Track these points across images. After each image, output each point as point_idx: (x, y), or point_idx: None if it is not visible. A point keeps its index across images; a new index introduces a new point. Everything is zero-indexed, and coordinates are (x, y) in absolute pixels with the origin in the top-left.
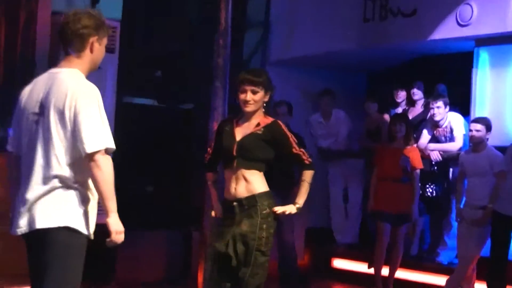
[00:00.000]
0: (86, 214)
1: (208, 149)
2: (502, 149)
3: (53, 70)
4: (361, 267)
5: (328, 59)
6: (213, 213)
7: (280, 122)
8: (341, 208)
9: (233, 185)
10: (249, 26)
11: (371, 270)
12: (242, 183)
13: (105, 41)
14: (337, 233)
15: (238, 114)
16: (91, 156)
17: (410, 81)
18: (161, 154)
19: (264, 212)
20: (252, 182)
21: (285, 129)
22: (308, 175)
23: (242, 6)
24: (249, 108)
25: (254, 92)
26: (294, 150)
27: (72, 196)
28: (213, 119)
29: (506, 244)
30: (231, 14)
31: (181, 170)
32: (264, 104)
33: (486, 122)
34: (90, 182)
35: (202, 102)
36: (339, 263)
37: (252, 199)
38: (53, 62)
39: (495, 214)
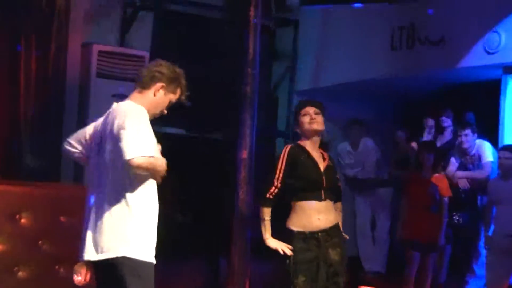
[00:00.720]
0: (148, 241)
1: (275, 181)
2: None
3: (115, 105)
4: None
5: (356, 88)
6: (288, 252)
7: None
8: (369, 236)
9: (315, 216)
10: (276, 55)
11: None
12: (324, 213)
13: (171, 96)
14: (365, 262)
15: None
16: (130, 163)
17: (438, 109)
18: (189, 183)
19: (344, 241)
20: (332, 212)
21: None
22: (340, 205)
23: (270, 35)
24: (317, 126)
25: (316, 113)
26: (339, 183)
27: (133, 223)
28: (241, 148)
29: None
30: (259, 43)
31: (209, 199)
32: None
33: None
34: (148, 205)
35: (230, 132)
36: None
37: (337, 228)
38: (83, 93)
39: None
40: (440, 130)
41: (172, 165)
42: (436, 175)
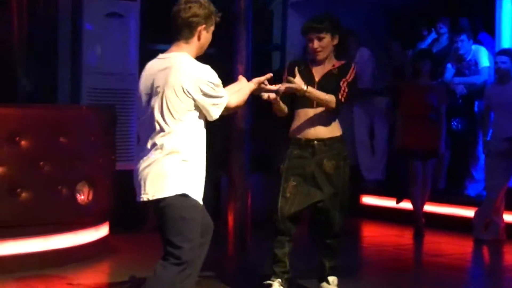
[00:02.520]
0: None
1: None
2: None
3: (163, 55)
4: (390, 203)
5: None
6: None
7: (351, 63)
8: (367, 145)
9: (311, 124)
10: None
11: (400, 205)
12: (321, 122)
13: (212, 28)
14: (364, 170)
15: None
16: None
17: (433, 18)
18: None
19: (345, 154)
20: (331, 122)
21: (354, 70)
22: (330, 98)
23: None
24: (320, 56)
25: (320, 39)
26: (341, 83)
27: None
28: (237, 63)
29: None
30: None
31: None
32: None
33: (511, 54)
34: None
35: (225, 46)
36: (368, 200)
37: (336, 141)
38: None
39: None
40: (436, 36)
41: None
42: (433, 82)
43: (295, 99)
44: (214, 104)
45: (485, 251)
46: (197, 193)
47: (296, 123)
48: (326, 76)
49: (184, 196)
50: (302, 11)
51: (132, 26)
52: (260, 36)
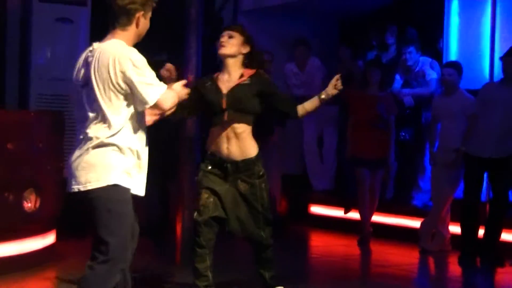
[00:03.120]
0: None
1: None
2: (473, 92)
3: (96, 44)
4: (338, 212)
5: (300, 6)
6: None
7: (263, 71)
8: (316, 153)
9: (224, 144)
10: None
11: (348, 215)
12: (234, 142)
13: (149, 14)
14: (313, 179)
15: (213, 73)
16: (154, 106)
17: (382, 26)
18: None
19: (261, 173)
20: (245, 142)
21: (270, 78)
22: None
23: None
24: (223, 50)
25: (230, 36)
26: (284, 96)
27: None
28: (187, 71)
29: (479, 185)
30: None
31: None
32: (244, 57)
33: (457, 66)
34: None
35: (175, 54)
36: (316, 209)
37: (250, 163)
38: (25, 18)
39: (467, 156)
40: (384, 47)
41: None
42: (383, 92)
43: (210, 113)
44: (148, 84)
45: (431, 261)
46: (133, 185)
47: (211, 139)
48: (236, 88)
49: (114, 187)
50: (252, 18)
51: (82, 31)
52: (210, 44)
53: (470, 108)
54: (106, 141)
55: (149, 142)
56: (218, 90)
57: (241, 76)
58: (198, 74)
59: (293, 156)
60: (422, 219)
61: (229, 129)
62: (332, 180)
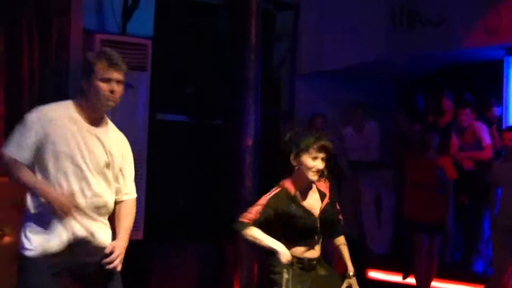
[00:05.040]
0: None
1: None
2: None
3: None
4: (396, 278)
5: (357, 69)
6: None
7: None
8: (373, 217)
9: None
10: (277, 38)
11: (407, 281)
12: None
13: (96, 81)
14: (371, 243)
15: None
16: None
17: (439, 90)
18: (193, 168)
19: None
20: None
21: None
22: (343, 239)
23: (270, 19)
24: (317, 178)
25: (323, 160)
26: (340, 216)
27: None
28: (246, 135)
29: None
30: (260, 27)
31: (213, 184)
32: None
33: None
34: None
35: (232, 117)
36: (374, 274)
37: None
38: None
39: None
40: (440, 111)
41: (175, 151)
42: (441, 156)
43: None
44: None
45: None
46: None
47: (300, 248)
48: (327, 209)
49: (23, 258)
50: (308, 81)
51: (141, 96)
52: (267, 106)
53: None
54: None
55: (205, 199)
56: (307, 211)
57: (319, 191)
58: (257, 138)
59: (349, 220)
60: (482, 286)
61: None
62: (390, 244)
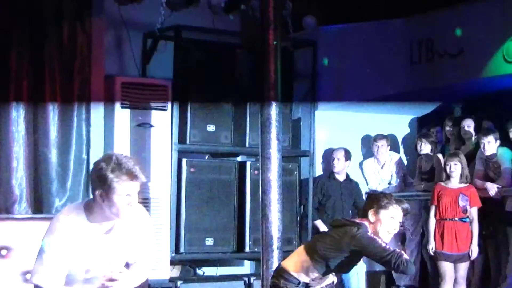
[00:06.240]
0: None
1: None
2: None
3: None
4: None
5: (377, 103)
6: None
7: None
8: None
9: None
10: (296, 75)
11: None
12: None
13: (112, 194)
14: (397, 276)
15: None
16: None
17: (460, 119)
18: (218, 206)
19: None
20: None
21: None
22: None
23: (289, 57)
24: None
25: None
26: None
27: None
28: (268, 170)
29: None
30: (279, 65)
31: (237, 221)
32: None
33: None
34: None
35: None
36: None
37: None
38: (108, 125)
39: None
40: (461, 139)
41: (199, 189)
42: (465, 185)
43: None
44: None
45: None
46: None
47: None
48: None
49: None
50: (330, 116)
51: (162, 135)
52: (288, 143)
53: None
54: None
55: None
56: None
57: None
58: (280, 173)
59: None
60: None
61: None
62: (416, 276)
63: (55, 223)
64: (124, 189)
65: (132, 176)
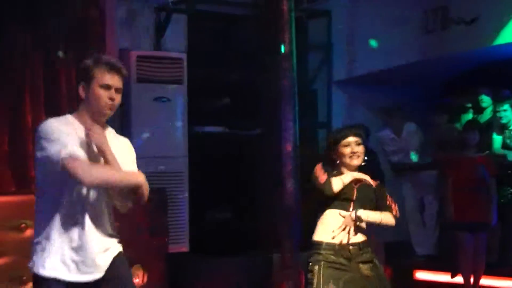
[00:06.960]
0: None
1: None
2: None
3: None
4: (444, 277)
5: (392, 74)
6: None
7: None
8: (418, 220)
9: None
10: (311, 47)
11: (455, 280)
12: (358, 226)
13: (95, 86)
14: (417, 245)
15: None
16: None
17: (476, 88)
18: (233, 178)
19: (374, 255)
20: (363, 227)
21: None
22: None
23: (303, 27)
24: (357, 161)
25: (358, 144)
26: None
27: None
28: (286, 141)
29: None
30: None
31: (255, 195)
32: None
33: None
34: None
35: (271, 126)
36: (422, 275)
37: (367, 245)
38: (124, 99)
39: None
40: (479, 108)
41: (215, 163)
42: (482, 154)
43: (325, 197)
44: (45, 157)
45: None
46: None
47: (327, 227)
48: (363, 187)
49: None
50: (345, 88)
51: (179, 109)
52: (305, 115)
53: None
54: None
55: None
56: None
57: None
58: (296, 144)
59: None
60: None
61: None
62: (435, 245)
63: (47, 125)
64: (103, 79)
65: (112, 66)
